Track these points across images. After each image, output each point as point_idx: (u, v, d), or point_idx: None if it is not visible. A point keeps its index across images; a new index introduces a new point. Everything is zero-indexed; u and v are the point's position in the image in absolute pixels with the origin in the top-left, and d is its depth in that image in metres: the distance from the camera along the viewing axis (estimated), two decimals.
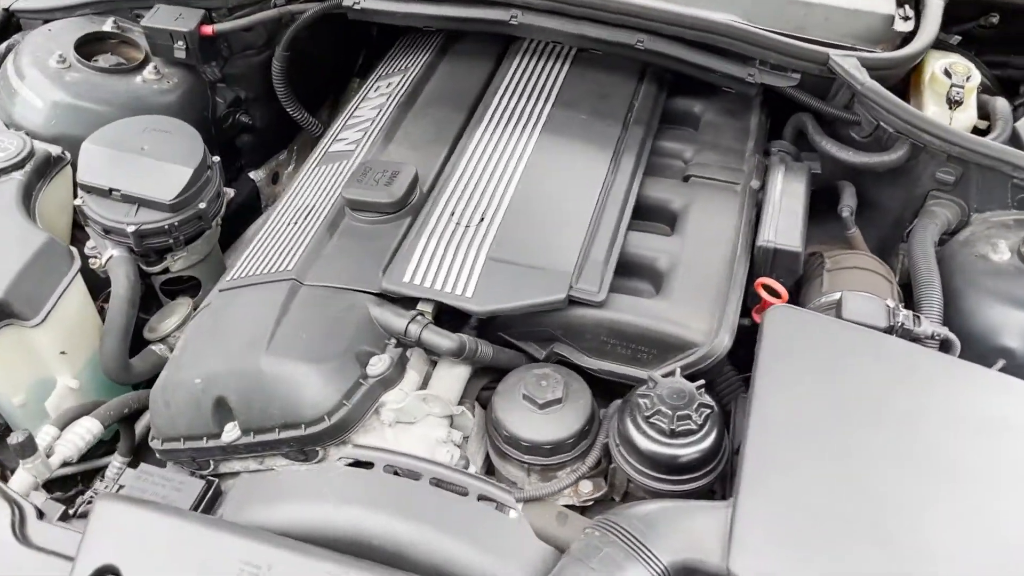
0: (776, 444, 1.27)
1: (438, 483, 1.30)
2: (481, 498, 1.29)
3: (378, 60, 2.20)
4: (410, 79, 2.01)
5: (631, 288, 1.59)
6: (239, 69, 2.09)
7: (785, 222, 1.65)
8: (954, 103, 1.80)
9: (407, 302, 1.52)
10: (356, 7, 1.95)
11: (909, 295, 1.68)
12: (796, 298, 1.65)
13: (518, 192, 1.66)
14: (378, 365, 1.43)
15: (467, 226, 1.60)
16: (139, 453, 1.68)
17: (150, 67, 1.96)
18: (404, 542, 1.21)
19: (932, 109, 1.82)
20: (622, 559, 1.17)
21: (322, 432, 1.39)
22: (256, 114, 2.18)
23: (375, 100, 2.00)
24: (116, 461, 1.69)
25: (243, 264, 1.65)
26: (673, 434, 1.34)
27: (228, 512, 1.31)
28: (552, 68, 1.98)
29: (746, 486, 1.22)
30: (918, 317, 1.50)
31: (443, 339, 1.46)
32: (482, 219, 1.61)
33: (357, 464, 1.35)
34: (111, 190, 1.67)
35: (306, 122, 2.19)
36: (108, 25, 2.02)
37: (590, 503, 1.50)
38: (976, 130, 1.83)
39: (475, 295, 1.49)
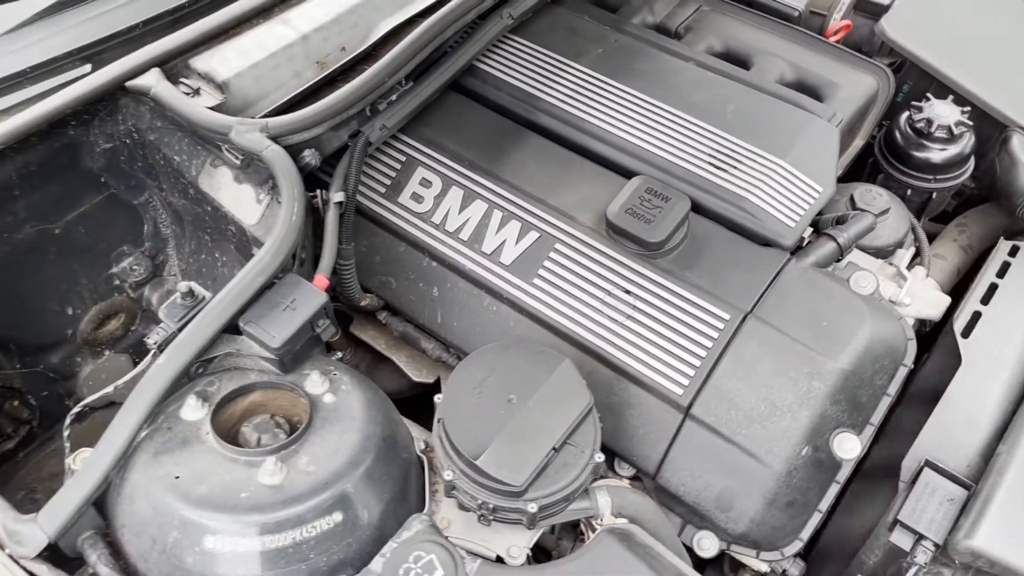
0: None
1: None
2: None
3: None
4: (438, 169, 1.69)
5: None
6: None
7: None
8: None
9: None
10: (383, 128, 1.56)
11: None
12: None
13: (712, 108, 1.75)
14: (868, 281, 1.55)
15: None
16: None
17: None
18: None
19: None
20: None
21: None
22: None
23: (462, 217, 1.64)
24: None
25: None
26: (955, 138, 1.78)
27: None
28: (516, 47, 1.91)
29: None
30: None
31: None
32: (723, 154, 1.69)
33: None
34: (555, 449, 1.26)
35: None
36: None
37: None
38: None
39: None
